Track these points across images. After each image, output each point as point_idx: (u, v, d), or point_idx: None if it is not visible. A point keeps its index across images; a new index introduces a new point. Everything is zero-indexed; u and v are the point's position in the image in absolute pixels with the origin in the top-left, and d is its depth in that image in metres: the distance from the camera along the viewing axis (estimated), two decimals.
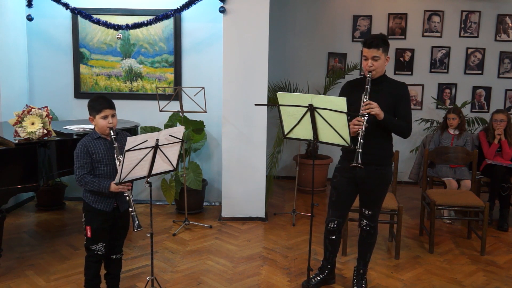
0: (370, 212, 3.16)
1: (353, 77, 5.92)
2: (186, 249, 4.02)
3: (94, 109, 2.77)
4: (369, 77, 2.94)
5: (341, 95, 3.16)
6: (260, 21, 4.51)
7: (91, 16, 4.76)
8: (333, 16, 6.33)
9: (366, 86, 2.92)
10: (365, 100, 2.89)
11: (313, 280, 3.34)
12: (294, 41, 6.38)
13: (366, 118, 2.84)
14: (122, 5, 5.01)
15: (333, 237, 3.26)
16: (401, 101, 3.03)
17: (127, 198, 2.72)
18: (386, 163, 3.11)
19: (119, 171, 2.58)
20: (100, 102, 2.78)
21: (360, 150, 2.79)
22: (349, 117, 2.71)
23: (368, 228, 3.19)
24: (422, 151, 5.03)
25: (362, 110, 2.87)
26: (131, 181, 2.72)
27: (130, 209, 2.70)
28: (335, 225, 3.20)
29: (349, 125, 2.71)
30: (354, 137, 2.85)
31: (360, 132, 2.82)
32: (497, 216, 4.75)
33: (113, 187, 2.68)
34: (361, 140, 2.80)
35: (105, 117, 2.75)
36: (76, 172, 2.74)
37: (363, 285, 3.27)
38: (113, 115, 2.79)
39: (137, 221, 2.67)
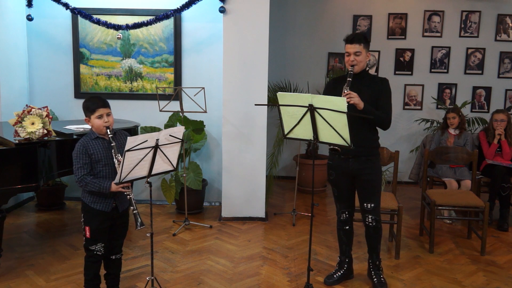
0: (372, 205, 3.22)
1: None
2: (186, 249, 4.02)
3: (88, 110, 2.77)
4: (351, 71, 3.08)
5: (325, 90, 3.32)
6: (260, 21, 4.51)
7: (91, 16, 4.76)
8: (333, 16, 6.33)
9: (348, 79, 3.04)
10: (345, 91, 2.98)
11: (335, 276, 3.41)
12: (294, 41, 6.37)
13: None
14: (122, 5, 5.01)
15: (347, 227, 3.37)
16: (381, 95, 3.15)
17: (128, 197, 2.72)
18: (374, 154, 3.22)
19: (119, 171, 2.58)
20: (94, 101, 2.77)
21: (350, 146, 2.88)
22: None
23: (374, 223, 3.24)
24: (422, 151, 5.03)
25: None
26: (131, 181, 2.71)
27: (132, 207, 2.70)
28: (347, 215, 3.34)
29: (348, 125, 2.73)
30: None
31: None
32: (497, 216, 4.75)
33: (114, 187, 2.68)
34: None
35: (100, 117, 2.75)
36: (76, 173, 2.73)
37: (382, 276, 3.33)
38: (108, 114, 2.78)
39: (139, 219, 2.66)
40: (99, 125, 2.75)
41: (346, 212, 3.34)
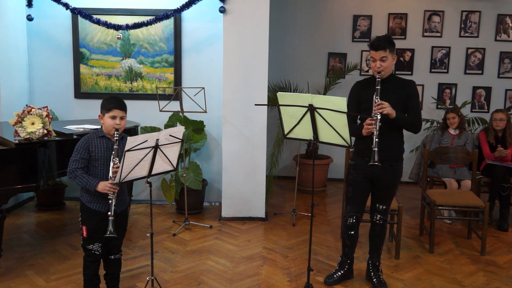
0: (384, 207, 3.27)
1: (353, 77, 5.94)
2: (186, 249, 4.02)
3: (105, 107, 2.79)
4: (378, 78, 3.02)
5: (351, 95, 3.26)
6: (260, 21, 4.51)
7: (91, 16, 4.76)
8: (333, 16, 6.33)
9: (377, 87, 2.99)
10: (376, 101, 2.96)
11: (335, 276, 3.41)
12: (294, 41, 6.37)
13: (379, 118, 2.92)
14: (122, 5, 5.01)
15: (352, 232, 3.35)
16: (410, 98, 3.12)
17: (110, 201, 2.70)
18: (399, 159, 3.22)
19: (119, 171, 2.58)
20: (112, 101, 2.79)
21: (376, 148, 2.87)
22: (359, 118, 2.75)
23: (381, 222, 3.30)
24: (422, 151, 5.03)
25: (374, 110, 2.95)
26: (129, 183, 2.71)
27: (109, 213, 2.68)
28: (354, 220, 3.32)
29: (349, 125, 2.75)
30: (369, 136, 2.97)
31: (375, 132, 2.90)
32: (497, 216, 4.75)
33: (100, 186, 2.68)
34: (376, 139, 2.88)
35: (113, 117, 2.76)
36: (69, 164, 2.75)
37: (381, 277, 3.33)
38: (122, 118, 2.80)
39: (110, 227, 2.64)
40: (110, 124, 2.76)
41: (354, 217, 3.30)
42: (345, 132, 2.75)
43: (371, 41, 3.10)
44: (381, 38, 3.07)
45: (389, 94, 3.04)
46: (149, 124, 5.01)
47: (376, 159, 2.85)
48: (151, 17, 4.74)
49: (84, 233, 2.80)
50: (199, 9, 4.85)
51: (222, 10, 4.50)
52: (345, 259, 3.43)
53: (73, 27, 5.05)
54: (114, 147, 2.74)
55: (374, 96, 2.97)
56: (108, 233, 2.65)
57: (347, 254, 3.42)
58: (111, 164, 2.72)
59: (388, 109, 2.94)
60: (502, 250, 4.12)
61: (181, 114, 4.56)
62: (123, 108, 2.81)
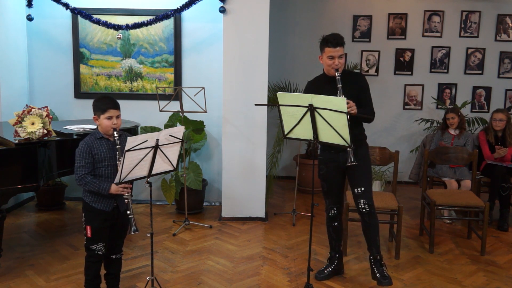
0: (362, 189, 3.20)
1: None
2: (186, 249, 4.02)
3: (99, 109, 2.78)
4: (339, 76, 3.05)
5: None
6: (260, 21, 4.51)
7: (91, 16, 4.76)
8: (333, 16, 6.33)
9: (338, 85, 3.02)
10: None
11: (325, 272, 3.43)
12: (294, 41, 6.37)
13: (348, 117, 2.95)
14: (122, 5, 5.01)
15: (336, 223, 3.40)
16: (362, 91, 3.19)
17: (126, 200, 2.72)
18: (362, 144, 3.27)
19: (119, 171, 2.58)
20: (106, 102, 2.79)
21: (350, 149, 2.89)
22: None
23: (368, 208, 3.20)
24: (422, 151, 5.03)
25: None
26: (131, 182, 2.72)
27: (128, 211, 2.71)
28: (335, 211, 3.37)
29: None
30: None
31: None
32: (497, 216, 4.75)
33: (113, 188, 2.69)
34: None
35: (109, 118, 2.76)
36: (76, 172, 2.74)
37: (385, 271, 3.23)
38: (118, 116, 2.80)
39: (134, 226, 2.68)
40: (107, 125, 2.76)
41: (335, 208, 3.37)
42: (345, 132, 2.76)
43: (326, 39, 3.15)
44: (337, 35, 3.13)
45: (343, 88, 3.05)
46: (149, 124, 5.01)
47: (352, 159, 2.91)
48: (151, 17, 4.74)
49: (88, 233, 2.81)
50: (199, 9, 4.85)
51: (222, 10, 4.50)
52: (333, 253, 3.46)
53: (73, 27, 5.05)
54: (117, 146, 2.74)
55: (338, 95, 2.98)
56: (132, 231, 2.68)
57: (334, 247, 3.45)
58: (118, 164, 2.71)
59: (354, 108, 2.97)
60: (502, 250, 4.12)
61: (181, 114, 4.56)
62: (117, 107, 2.81)
